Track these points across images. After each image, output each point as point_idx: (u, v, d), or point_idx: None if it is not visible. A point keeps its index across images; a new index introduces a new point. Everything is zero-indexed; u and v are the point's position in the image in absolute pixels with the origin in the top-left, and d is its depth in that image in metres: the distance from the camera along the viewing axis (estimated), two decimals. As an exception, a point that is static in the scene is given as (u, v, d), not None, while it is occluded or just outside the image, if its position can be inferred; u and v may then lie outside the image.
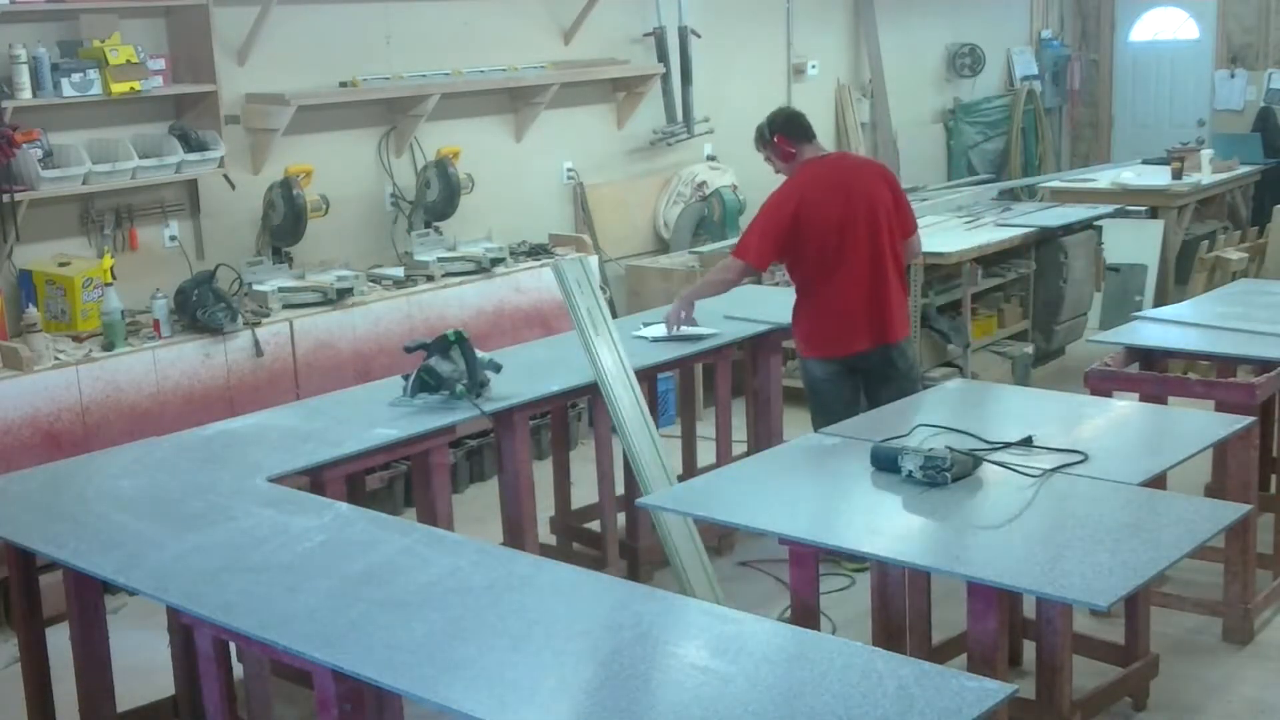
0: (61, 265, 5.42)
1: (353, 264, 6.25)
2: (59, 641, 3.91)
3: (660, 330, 5.30)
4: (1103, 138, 11.65)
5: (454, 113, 6.80)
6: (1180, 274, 8.47)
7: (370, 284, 6.13)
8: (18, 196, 5.21)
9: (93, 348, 5.22)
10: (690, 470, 5.62)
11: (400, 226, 6.65)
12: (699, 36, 7.89)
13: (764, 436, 5.55)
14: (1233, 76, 10.77)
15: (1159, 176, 8.74)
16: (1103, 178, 9.16)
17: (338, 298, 5.84)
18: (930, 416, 4.10)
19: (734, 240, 7.52)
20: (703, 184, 7.95)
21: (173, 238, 5.90)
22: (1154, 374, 4.87)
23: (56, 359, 5.08)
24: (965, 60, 10.30)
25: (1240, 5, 10.78)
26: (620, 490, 5.10)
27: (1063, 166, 11.30)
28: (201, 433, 4.36)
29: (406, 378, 4.50)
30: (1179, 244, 8.67)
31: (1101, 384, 4.70)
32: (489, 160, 6.95)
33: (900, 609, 3.94)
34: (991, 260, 7.18)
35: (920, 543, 3.37)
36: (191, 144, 5.64)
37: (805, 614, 3.48)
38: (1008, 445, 3.83)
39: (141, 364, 5.23)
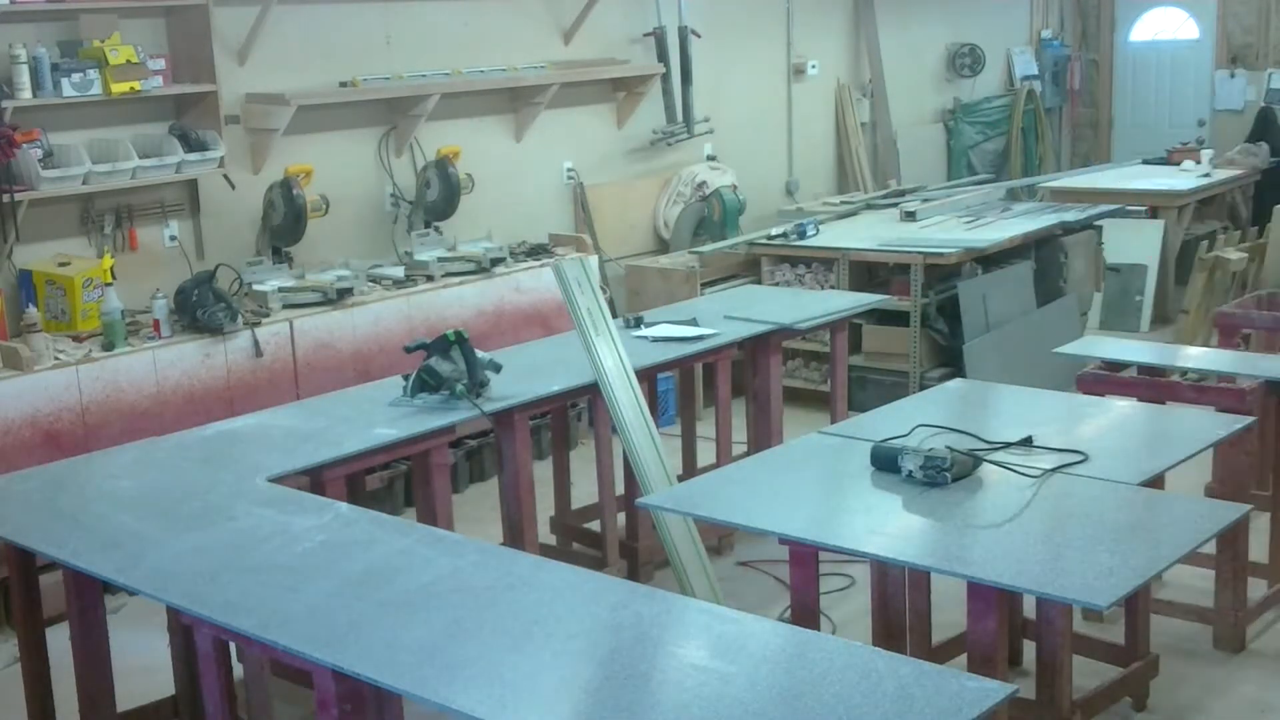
0: (61, 265, 5.42)
1: (353, 264, 6.25)
2: (59, 641, 3.91)
3: (663, 330, 5.31)
4: (1103, 138, 11.65)
5: (454, 113, 6.81)
6: (1180, 274, 8.47)
7: (370, 284, 6.13)
8: (18, 196, 5.21)
9: (93, 348, 5.22)
10: (690, 470, 5.62)
11: (400, 226, 6.65)
12: (699, 36, 7.89)
13: (764, 436, 5.54)
14: (1233, 76, 10.77)
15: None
16: (1104, 178, 9.18)
17: (338, 298, 5.84)
18: (930, 416, 4.10)
19: (734, 239, 7.59)
20: (703, 184, 7.95)
21: (173, 238, 5.90)
22: (1147, 378, 4.85)
23: (56, 359, 5.08)
24: (965, 60, 10.30)
25: (1240, 5, 10.79)
26: (620, 490, 5.10)
27: (1063, 166, 11.31)
28: (201, 433, 4.35)
29: (406, 378, 4.50)
30: (1179, 244, 8.67)
31: (1094, 387, 4.69)
32: (489, 160, 6.95)
33: (900, 609, 3.94)
34: (992, 259, 7.18)
35: (920, 543, 3.37)
36: (191, 144, 5.64)
37: (805, 614, 3.48)
38: (1008, 445, 3.83)
39: (141, 364, 5.23)
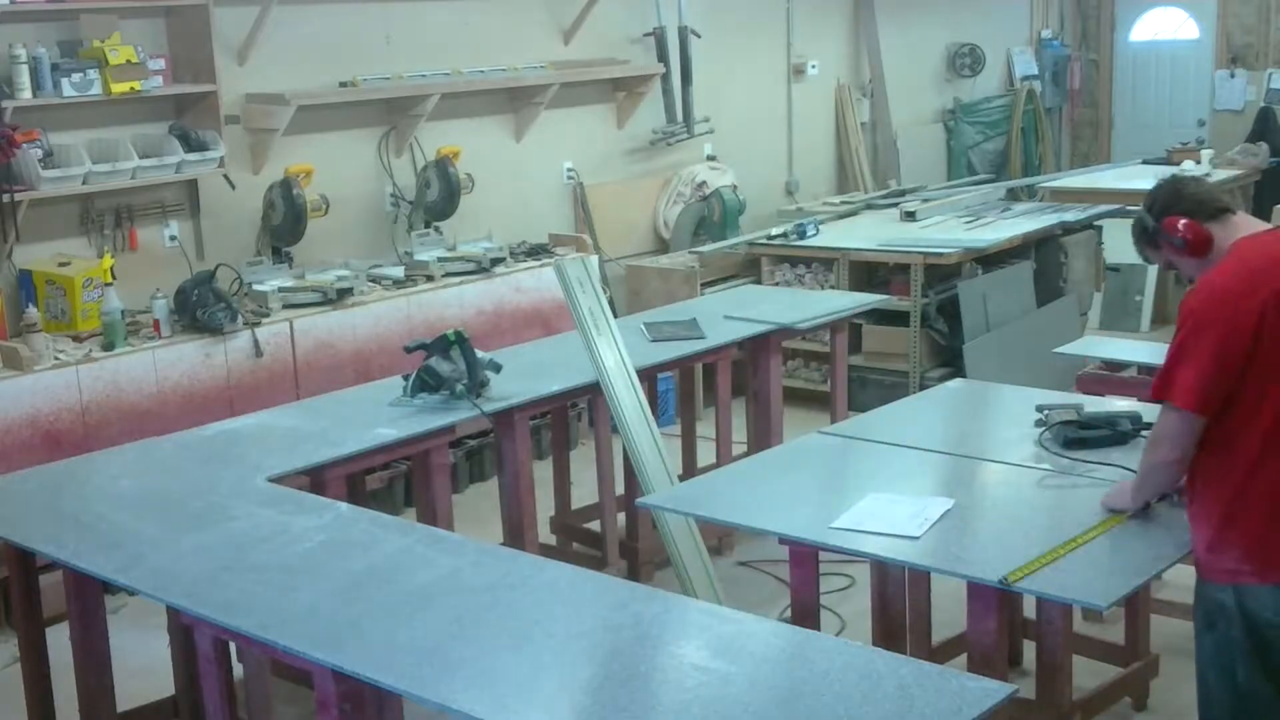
0: (61, 265, 5.42)
1: (353, 264, 6.25)
2: (59, 641, 3.91)
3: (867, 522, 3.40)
4: (1103, 138, 11.65)
5: (454, 113, 6.80)
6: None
7: (370, 284, 6.13)
8: (18, 196, 5.21)
9: (93, 348, 5.22)
10: (690, 470, 5.61)
11: (400, 226, 6.65)
12: (699, 36, 7.89)
13: (764, 436, 5.54)
14: (1233, 76, 10.77)
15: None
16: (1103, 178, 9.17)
17: (338, 298, 5.84)
18: (930, 416, 4.09)
19: (734, 239, 7.58)
20: (703, 184, 7.95)
21: (173, 238, 5.90)
22: (1147, 378, 4.84)
23: (56, 359, 5.08)
24: (965, 60, 10.30)
25: (1240, 5, 10.79)
26: (620, 490, 5.10)
27: (1063, 166, 11.31)
28: (201, 433, 4.35)
29: (406, 378, 4.50)
30: (1179, 244, 8.65)
31: (1094, 386, 4.69)
32: (489, 160, 6.95)
33: (900, 609, 3.94)
34: (992, 259, 7.18)
35: (920, 543, 3.36)
36: (191, 144, 5.64)
37: (805, 614, 3.48)
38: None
39: (141, 364, 5.23)
